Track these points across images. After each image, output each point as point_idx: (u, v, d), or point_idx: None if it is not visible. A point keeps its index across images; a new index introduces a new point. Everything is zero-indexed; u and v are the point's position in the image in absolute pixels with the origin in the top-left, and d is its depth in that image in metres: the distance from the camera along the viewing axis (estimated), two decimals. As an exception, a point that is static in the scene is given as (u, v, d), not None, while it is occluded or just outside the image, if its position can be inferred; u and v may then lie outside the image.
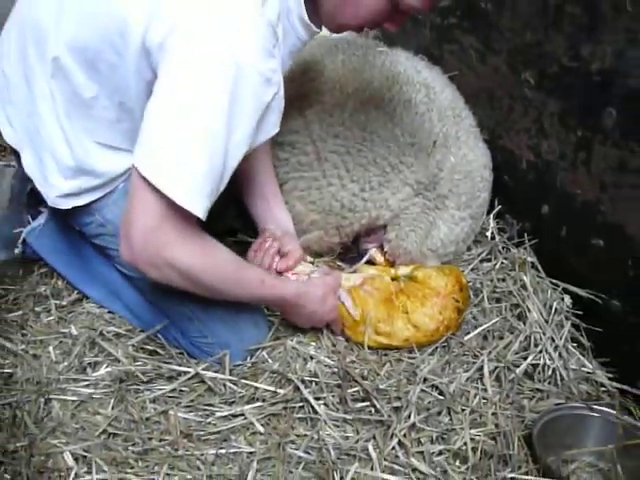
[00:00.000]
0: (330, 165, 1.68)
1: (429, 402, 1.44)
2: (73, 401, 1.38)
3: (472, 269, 1.81)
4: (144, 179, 1.17)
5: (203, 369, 1.45)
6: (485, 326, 1.62)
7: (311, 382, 1.44)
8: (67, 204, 1.43)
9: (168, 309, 1.49)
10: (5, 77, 1.43)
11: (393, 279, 1.67)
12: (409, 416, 1.38)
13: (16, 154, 1.49)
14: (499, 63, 1.89)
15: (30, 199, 1.69)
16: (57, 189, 1.42)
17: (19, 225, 1.66)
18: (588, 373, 1.53)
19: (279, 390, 1.42)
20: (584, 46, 1.54)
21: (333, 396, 1.42)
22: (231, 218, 1.83)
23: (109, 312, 1.61)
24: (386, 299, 1.57)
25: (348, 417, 1.38)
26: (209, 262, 1.31)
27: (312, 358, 1.51)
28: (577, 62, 1.57)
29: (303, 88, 1.74)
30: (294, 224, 1.74)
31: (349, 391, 1.42)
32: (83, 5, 1.28)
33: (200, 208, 1.20)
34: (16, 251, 1.66)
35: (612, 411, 1.40)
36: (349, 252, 1.83)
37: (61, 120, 1.36)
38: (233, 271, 1.36)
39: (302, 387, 1.41)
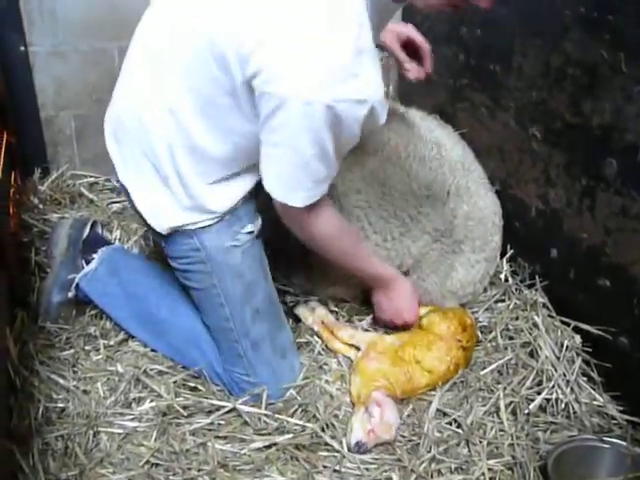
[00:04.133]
0: (354, 219, 1.72)
1: (448, 435, 1.45)
2: (119, 434, 1.42)
3: (487, 309, 1.83)
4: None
5: (239, 404, 1.48)
6: (500, 362, 1.63)
7: (335, 422, 1.47)
8: (173, 230, 1.48)
9: (223, 342, 1.53)
10: (119, 119, 1.47)
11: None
12: (430, 449, 1.40)
13: (124, 190, 1.53)
14: (508, 119, 1.93)
15: (85, 246, 1.76)
16: (171, 220, 1.46)
17: (74, 270, 1.72)
18: (599, 407, 1.53)
19: (307, 424, 1.45)
20: (585, 103, 1.59)
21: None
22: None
23: (152, 351, 1.65)
24: (395, 359, 1.56)
25: (368, 459, 1.40)
26: (339, 234, 1.51)
27: (332, 397, 1.54)
28: (579, 118, 1.61)
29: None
30: (320, 277, 1.78)
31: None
32: (190, 48, 1.31)
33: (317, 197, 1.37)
34: (70, 294, 1.71)
35: (623, 442, 1.40)
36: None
37: (177, 164, 1.40)
38: (353, 245, 1.57)
39: (322, 431, 1.44)
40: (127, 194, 1.52)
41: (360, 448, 1.39)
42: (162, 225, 1.47)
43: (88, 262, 1.73)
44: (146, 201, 1.49)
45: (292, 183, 1.34)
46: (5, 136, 2.06)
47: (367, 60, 1.25)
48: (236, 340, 1.51)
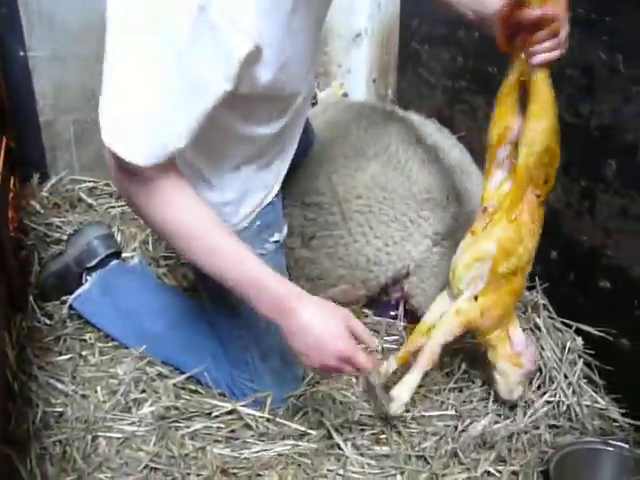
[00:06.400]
0: (355, 223, 1.71)
1: (452, 438, 1.43)
2: (118, 438, 1.40)
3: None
4: None
5: (240, 406, 1.46)
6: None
7: (339, 427, 1.44)
8: None
9: (232, 348, 1.51)
10: None
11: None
12: (435, 449, 1.39)
13: None
14: (507, 122, 1.92)
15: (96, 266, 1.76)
16: None
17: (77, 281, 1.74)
18: (601, 409, 1.51)
19: (310, 431, 1.43)
20: (583, 104, 1.58)
21: (362, 437, 1.43)
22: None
23: (152, 354, 1.63)
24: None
25: (373, 462, 1.37)
26: (173, 221, 1.13)
27: (341, 403, 1.51)
28: (578, 119, 1.60)
29: (330, 153, 1.80)
30: (322, 279, 1.75)
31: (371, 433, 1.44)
32: None
33: (128, 152, 1.04)
34: (64, 313, 1.72)
35: (626, 445, 1.37)
36: (375, 302, 1.84)
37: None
38: (202, 237, 1.15)
39: (334, 433, 1.41)
40: None
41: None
42: None
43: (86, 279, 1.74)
44: None
45: (128, 119, 1.03)
46: (4, 141, 2.05)
47: None
48: (246, 347, 1.49)
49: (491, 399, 1.52)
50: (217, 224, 1.17)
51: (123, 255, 1.94)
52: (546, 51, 1.20)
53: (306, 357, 1.18)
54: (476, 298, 1.39)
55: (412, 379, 1.41)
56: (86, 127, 2.37)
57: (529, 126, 1.28)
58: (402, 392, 1.40)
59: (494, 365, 1.47)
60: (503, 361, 1.46)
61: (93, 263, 1.75)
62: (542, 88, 1.26)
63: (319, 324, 1.15)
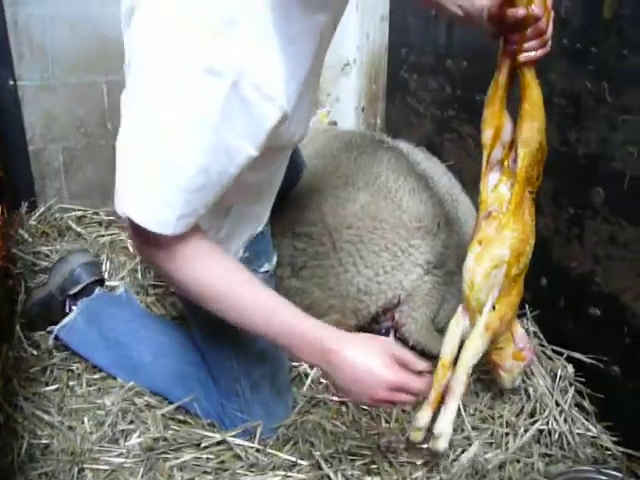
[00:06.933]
0: (345, 253, 1.71)
1: (444, 468, 1.42)
2: (105, 470, 1.37)
3: (478, 339, 1.80)
4: None
5: (230, 437, 1.44)
6: (492, 391, 1.62)
7: (332, 457, 1.42)
8: None
9: (221, 379, 1.50)
10: None
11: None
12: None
13: None
14: (495, 150, 1.94)
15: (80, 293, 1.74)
16: None
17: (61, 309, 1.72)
18: (593, 437, 1.50)
19: (300, 461, 1.41)
20: (570, 132, 1.60)
21: (353, 467, 1.41)
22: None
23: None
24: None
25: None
26: (196, 279, 1.14)
27: (331, 433, 1.50)
28: (565, 147, 1.62)
29: (320, 183, 1.81)
30: (312, 309, 1.74)
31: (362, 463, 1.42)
32: None
33: (154, 222, 1.05)
34: (50, 343, 1.70)
35: (619, 474, 1.36)
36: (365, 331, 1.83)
37: None
38: (228, 295, 1.15)
39: (323, 464, 1.39)
40: None
41: None
42: None
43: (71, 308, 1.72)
44: None
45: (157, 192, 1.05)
46: (-7, 169, 2.05)
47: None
48: (235, 379, 1.48)
49: (469, 428, 1.51)
50: (240, 278, 1.16)
51: (112, 284, 1.93)
52: (531, 50, 1.24)
53: (356, 394, 1.15)
54: (494, 307, 1.38)
55: (451, 411, 1.35)
56: (75, 155, 2.37)
57: (524, 126, 1.30)
58: (444, 427, 1.34)
59: (501, 365, 1.50)
60: (509, 360, 1.49)
61: (75, 290, 1.73)
62: (532, 87, 1.28)
63: (362, 358, 1.13)
